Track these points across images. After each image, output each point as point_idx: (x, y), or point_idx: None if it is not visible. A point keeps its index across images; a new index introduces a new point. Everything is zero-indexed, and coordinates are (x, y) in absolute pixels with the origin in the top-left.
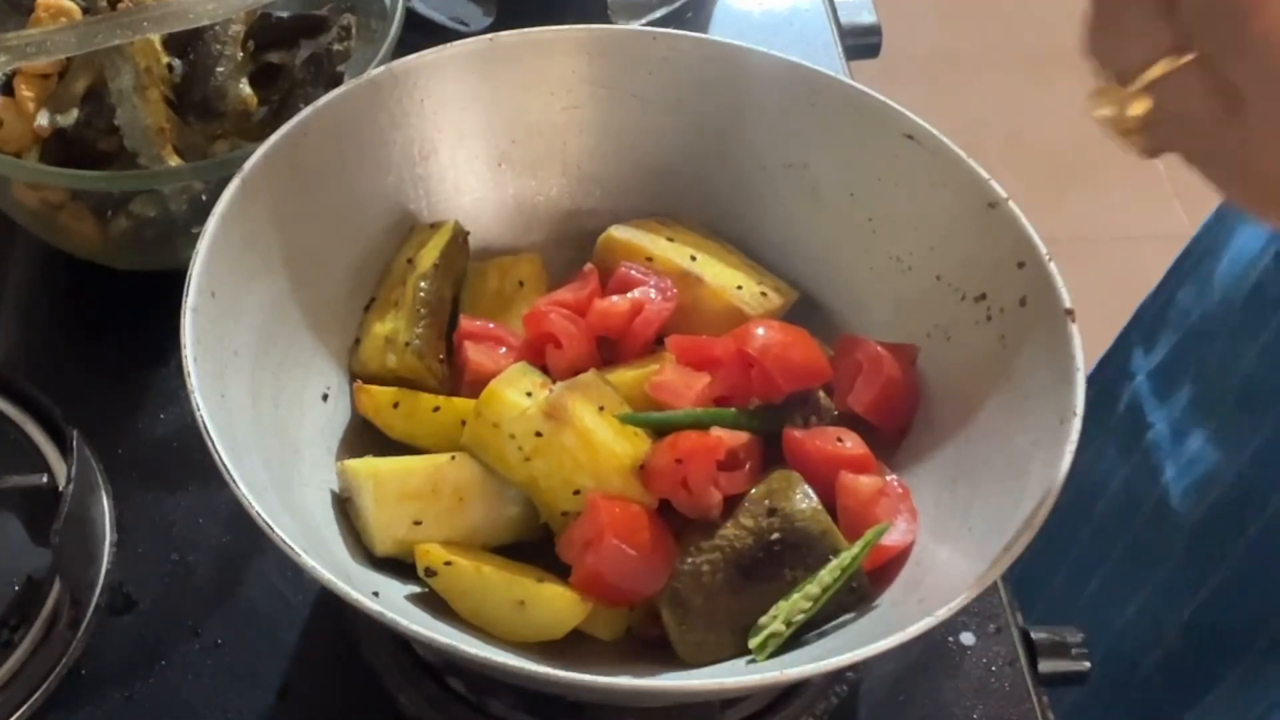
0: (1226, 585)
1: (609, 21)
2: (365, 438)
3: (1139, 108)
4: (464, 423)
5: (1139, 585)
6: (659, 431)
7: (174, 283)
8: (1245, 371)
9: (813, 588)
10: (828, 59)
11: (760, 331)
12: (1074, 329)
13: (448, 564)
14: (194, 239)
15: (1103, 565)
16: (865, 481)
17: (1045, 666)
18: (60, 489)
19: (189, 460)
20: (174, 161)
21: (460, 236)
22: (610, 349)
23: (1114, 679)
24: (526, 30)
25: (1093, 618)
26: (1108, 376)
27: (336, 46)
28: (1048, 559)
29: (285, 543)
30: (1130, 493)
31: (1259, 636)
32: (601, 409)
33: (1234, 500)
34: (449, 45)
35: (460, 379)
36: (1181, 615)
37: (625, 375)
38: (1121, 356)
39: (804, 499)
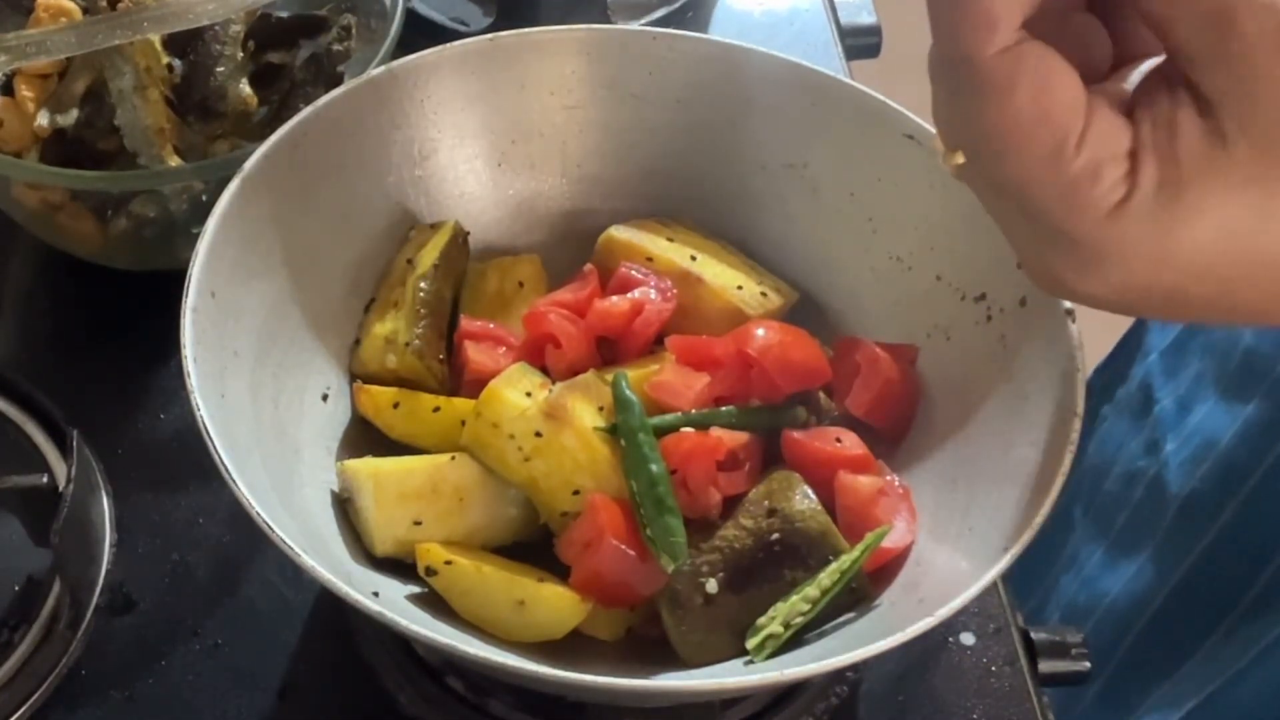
0: (1211, 552)
1: (609, 21)
2: (365, 438)
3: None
4: (464, 423)
5: (1131, 560)
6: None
7: (174, 283)
8: (1246, 343)
9: (812, 590)
10: (828, 59)
11: (760, 332)
12: (1074, 329)
13: (448, 563)
14: (194, 239)
15: (1101, 542)
16: (864, 481)
17: (1045, 666)
18: (60, 489)
19: (189, 460)
20: (174, 161)
21: (460, 236)
22: (610, 349)
23: (1100, 650)
24: (526, 30)
25: (1088, 592)
26: (1124, 354)
27: (336, 46)
28: (1051, 539)
29: (285, 543)
30: (1132, 469)
31: (1240, 598)
32: (601, 409)
33: (1222, 470)
34: (449, 45)
35: (460, 379)
36: (1168, 584)
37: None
38: (1139, 334)
39: (804, 499)
